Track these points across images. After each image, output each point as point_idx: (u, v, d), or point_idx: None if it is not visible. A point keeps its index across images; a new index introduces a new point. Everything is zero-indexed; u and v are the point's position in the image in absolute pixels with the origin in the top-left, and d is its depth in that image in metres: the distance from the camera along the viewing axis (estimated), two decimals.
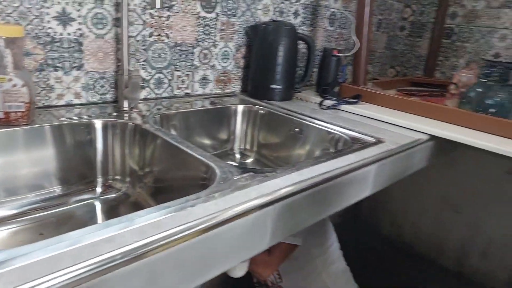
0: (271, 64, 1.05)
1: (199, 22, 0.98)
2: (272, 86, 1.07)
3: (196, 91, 1.05)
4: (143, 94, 0.93)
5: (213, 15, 1.01)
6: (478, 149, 0.87)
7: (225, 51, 1.08)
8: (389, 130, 0.91)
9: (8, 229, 0.63)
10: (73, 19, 0.77)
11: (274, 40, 1.04)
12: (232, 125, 1.02)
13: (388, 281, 1.63)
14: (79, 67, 0.80)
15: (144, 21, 0.87)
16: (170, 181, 0.72)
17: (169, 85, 0.98)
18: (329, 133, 0.88)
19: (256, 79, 1.10)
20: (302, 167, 0.61)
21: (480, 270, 1.67)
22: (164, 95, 0.98)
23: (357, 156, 0.70)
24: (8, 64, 0.63)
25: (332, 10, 1.38)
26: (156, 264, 0.36)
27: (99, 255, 0.32)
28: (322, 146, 0.90)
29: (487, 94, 0.99)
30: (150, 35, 0.89)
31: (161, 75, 0.95)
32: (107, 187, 0.76)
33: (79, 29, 0.78)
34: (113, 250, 0.33)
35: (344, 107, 1.07)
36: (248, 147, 1.05)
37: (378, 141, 0.80)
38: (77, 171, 0.74)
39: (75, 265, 0.30)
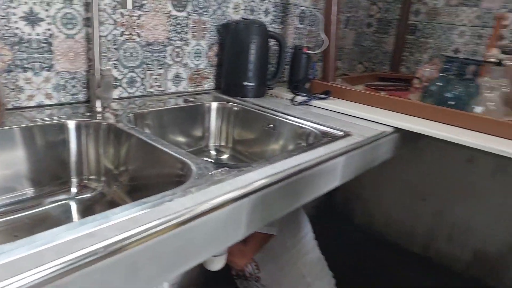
0: (243, 61, 1.08)
1: (170, 21, 0.99)
2: (244, 83, 1.09)
3: (169, 89, 1.05)
4: (115, 93, 0.93)
5: (184, 13, 1.01)
6: (440, 139, 0.93)
7: (198, 49, 1.09)
8: (356, 124, 0.96)
9: None
10: (41, 19, 0.76)
11: (245, 38, 1.07)
12: (206, 122, 1.03)
13: (360, 268, 1.70)
14: (49, 68, 0.80)
15: (115, 21, 0.87)
16: (146, 179, 0.73)
17: (142, 84, 0.98)
18: (301, 128, 0.92)
19: (229, 76, 1.12)
20: (275, 161, 0.64)
21: (446, 253, 1.78)
22: (137, 94, 0.98)
23: (326, 149, 0.73)
24: None
25: (302, 8, 1.42)
26: (137, 256, 0.38)
27: (82, 249, 0.33)
28: (295, 140, 0.93)
29: (446, 88, 1.06)
30: (121, 34, 0.89)
31: (134, 74, 0.96)
32: (82, 187, 0.77)
33: (48, 29, 0.77)
34: (95, 244, 0.34)
35: (314, 102, 1.11)
36: (223, 143, 1.07)
37: (346, 135, 0.85)
38: (50, 172, 0.74)
39: (59, 259, 0.31)
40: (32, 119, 0.73)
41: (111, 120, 0.78)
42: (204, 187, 0.51)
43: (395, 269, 1.74)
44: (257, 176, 0.56)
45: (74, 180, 0.77)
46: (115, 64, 0.90)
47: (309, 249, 1.12)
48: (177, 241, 0.42)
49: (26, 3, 0.73)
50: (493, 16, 1.50)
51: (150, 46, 0.96)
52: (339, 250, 1.49)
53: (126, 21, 0.89)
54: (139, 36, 0.93)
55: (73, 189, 0.76)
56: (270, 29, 1.25)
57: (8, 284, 0.28)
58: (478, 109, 1.00)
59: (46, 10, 0.76)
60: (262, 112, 0.99)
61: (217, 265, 0.90)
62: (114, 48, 0.89)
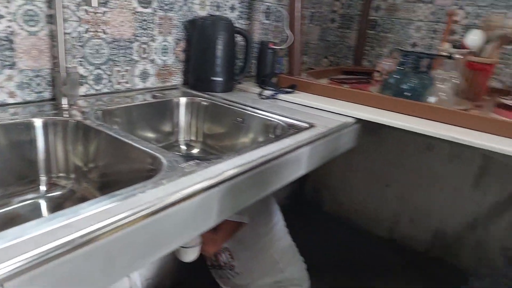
0: (211, 57, 1.10)
1: (136, 17, 0.99)
2: (212, 78, 1.11)
3: (137, 86, 1.06)
4: (82, 90, 0.92)
5: (150, 10, 1.02)
6: (399, 129, 1.00)
7: (164, 45, 1.10)
8: (321, 116, 1.01)
9: None
10: (1, 16, 0.74)
11: (212, 34, 1.09)
12: (175, 118, 1.05)
13: (330, 252, 1.78)
14: (12, 66, 0.78)
15: (79, 18, 0.86)
16: (116, 175, 0.74)
17: (109, 81, 0.98)
18: (269, 121, 0.96)
19: (197, 71, 1.14)
20: (243, 152, 0.67)
21: (409, 235, 1.89)
22: (104, 90, 0.98)
23: (292, 140, 0.77)
24: None
25: (267, 4, 1.45)
26: (112, 245, 0.40)
27: (59, 238, 0.35)
28: (263, 133, 0.97)
29: (403, 80, 1.13)
30: (86, 31, 0.89)
31: (100, 71, 0.95)
32: (51, 185, 0.76)
33: (9, 26, 0.76)
34: (71, 234, 0.36)
35: (281, 96, 1.15)
36: (193, 138, 1.09)
37: (311, 126, 0.89)
38: (17, 171, 0.73)
39: (38, 248, 0.33)
40: None
41: (79, 117, 0.78)
42: (175, 178, 0.53)
43: (363, 251, 1.83)
44: (226, 167, 0.59)
45: (43, 178, 0.76)
46: (80, 61, 0.90)
47: (281, 237, 1.17)
48: (151, 229, 0.45)
49: None
50: (446, 12, 1.60)
51: (116, 43, 0.96)
52: (309, 237, 1.55)
53: (91, 18, 0.89)
54: (104, 33, 0.93)
55: (42, 188, 0.75)
56: (236, 25, 1.27)
57: None
58: (432, 100, 1.08)
59: (6, 7, 0.75)
60: (231, 106, 1.01)
61: (191, 256, 0.93)
62: (79, 45, 0.88)
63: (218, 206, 0.56)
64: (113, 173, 0.74)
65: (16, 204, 0.71)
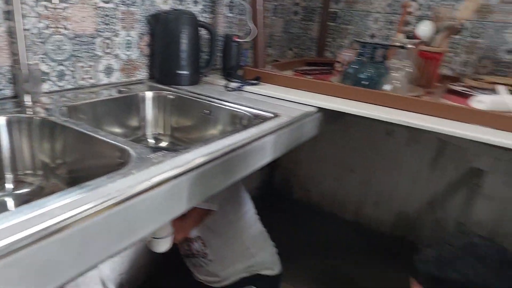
0: (175, 51, 1.11)
1: (98, 12, 0.99)
2: (178, 71, 1.12)
3: (101, 81, 1.05)
4: (45, 87, 0.91)
5: (111, 5, 1.02)
6: (360, 116, 1.06)
7: (128, 40, 1.10)
8: (284, 106, 1.05)
9: None
10: None
11: (175, 29, 1.10)
12: (142, 112, 1.06)
13: (300, 238, 1.85)
14: None
15: (38, 14, 0.85)
16: (85, 170, 0.75)
17: (73, 77, 0.97)
18: (235, 112, 0.99)
19: (162, 65, 1.15)
20: (211, 142, 0.70)
21: (373, 218, 2.00)
22: (68, 86, 0.97)
23: (257, 129, 0.81)
24: None
25: None
26: (87, 231, 0.42)
27: (34, 226, 0.37)
28: (230, 124, 1.00)
29: (361, 70, 1.19)
30: (47, 27, 0.88)
31: (63, 67, 0.94)
32: (18, 183, 0.76)
33: None
34: (46, 221, 0.38)
35: (247, 88, 1.18)
36: (161, 131, 1.10)
37: (275, 116, 0.93)
38: None
39: (14, 235, 0.35)
40: None
41: (43, 114, 0.78)
42: (144, 168, 0.55)
43: (331, 235, 1.92)
44: (194, 156, 0.62)
45: (9, 176, 0.76)
46: (42, 57, 0.89)
47: (252, 223, 1.21)
48: (123, 216, 0.47)
49: None
50: (401, 4, 1.69)
51: (78, 39, 0.96)
52: (280, 224, 1.61)
53: (51, 14, 0.88)
54: (66, 28, 0.92)
55: (9, 185, 0.75)
56: (200, 18, 1.29)
57: None
58: (387, 87, 1.15)
59: None
60: (197, 99, 1.04)
61: (163, 247, 0.95)
62: (40, 42, 0.87)
63: (188, 193, 0.59)
64: (82, 168, 0.75)
65: None
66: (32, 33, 0.85)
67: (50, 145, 0.77)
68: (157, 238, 0.93)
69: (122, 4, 1.04)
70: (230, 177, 0.71)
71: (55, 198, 0.45)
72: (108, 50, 1.04)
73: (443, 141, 1.74)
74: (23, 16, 0.82)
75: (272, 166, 2.25)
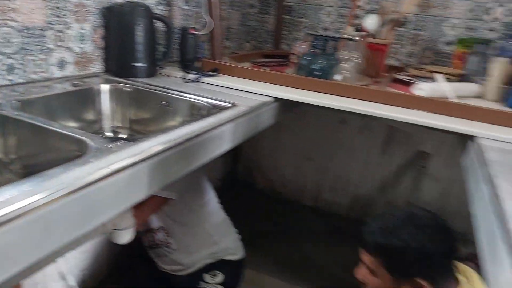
0: (131, 43, 1.11)
1: (48, 4, 0.96)
2: (134, 64, 1.12)
3: (54, 74, 1.03)
4: None
5: None
6: (314, 105, 1.11)
7: (81, 32, 1.08)
8: (242, 96, 1.09)
9: None
10: None
11: (130, 21, 1.09)
12: (98, 105, 1.05)
13: (262, 225, 1.92)
14: None
15: None
16: (41, 164, 0.74)
17: (23, 71, 0.95)
18: (194, 103, 1.01)
19: (118, 58, 1.14)
20: (169, 131, 0.73)
21: (331, 202, 2.11)
22: (19, 81, 0.94)
23: (215, 118, 0.84)
24: None
25: None
26: (49, 216, 0.43)
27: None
28: (190, 115, 1.02)
29: (314, 61, 1.25)
30: None
31: (12, 61, 0.91)
32: None
33: None
34: (3, 208, 0.39)
35: (205, 79, 1.21)
36: (119, 124, 1.10)
37: (233, 105, 0.97)
38: None
39: None
40: None
41: None
42: (103, 157, 0.57)
43: (292, 221, 2.00)
44: (152, 144, 0.64)
45: None
46: None
47: (214, 212, 1.24)
48: (82, 202, 0.49)
49: None
50: None
51: (28, 31, 0.93)
52: (243, 212, 1.65)
53: None
54: (14, 20, 0.89)
55: None
56: (156, 11, 1.28)
57: None
58: (338, 77, 1.23)
59: None
60: (155, 91, 1.04)
61: (125, 238, 0.95)
62: None
63: (148, 179, 0.61)
64: (37, 162, 0.74)
65: None
66: None
67: (3, 140, 0.75)
68: (119, 230, 0.94)
69: None
70: (189, 165, 0.74)
71: (11, 187, 0.45)
72: (60, 43, 1.02)
73: (392, 128, 1.87)
74: None
75: (235, 157, 2.29)
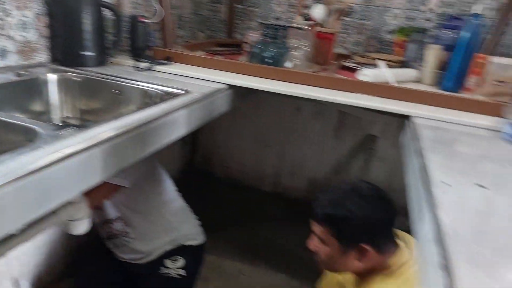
0: (77, 32, 1.08)
1: None
2: (82, 53, 1.10)
3: None
4: None
5: None
6: (267, 92, 1.15)
7: (23, 20, 1.03)
8: (196, 84, 1.10)
9: None
10: None
11: (76, 9, 1.06)
12: (45, 96, 1.02)
13: (222, 212, 1.95)
14: None
15: None
16: None
17: None
18: (146, 90, 1.01)
19: (65, 47, 1.11)
20: (122, 117, 0.73)
21: (290, 187, 2.19)
22: None
23: (168, 105, 0.86)
24: None
25: None
26: (4, 198, 0.44)
27: None
28: (142, 103, 1.02)
29: (265, 50, 1.29)
30: None
31: None
32: None
33: None
34: None
35: (158, 68, 1.21)
36: (69, 115, 1.07)
37: (187, 93, 0.98)
38: None
39: None
40: None
41: None
42: (54, 142, 0.57)
43: (252, 207, 2.06)
44: (104, 129, 0.65)
45: None
46: None
47: (172, 199, 1.25)
48: (36, 186, 0.49)
49: None
50: None
51: None
52: (202, 201, 1.68)
53: None
54: None
55: None
56: None
57: None
58: (288, 65, 1.28)
59: None
60: (106, 80, 1.03)
61: (80, 228, 0.94)
62: None
63: (101, 164, 0.62)
64: None
65: None
66: None
67: None
68: (73, 220, 0.93)
69: None
70: (143, 150, 0.75)
71: None
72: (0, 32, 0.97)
73: (343, 113, 1.97)
74: None
75: (193, 148, 2.30)
